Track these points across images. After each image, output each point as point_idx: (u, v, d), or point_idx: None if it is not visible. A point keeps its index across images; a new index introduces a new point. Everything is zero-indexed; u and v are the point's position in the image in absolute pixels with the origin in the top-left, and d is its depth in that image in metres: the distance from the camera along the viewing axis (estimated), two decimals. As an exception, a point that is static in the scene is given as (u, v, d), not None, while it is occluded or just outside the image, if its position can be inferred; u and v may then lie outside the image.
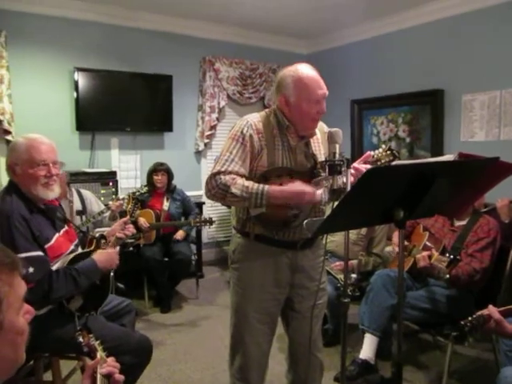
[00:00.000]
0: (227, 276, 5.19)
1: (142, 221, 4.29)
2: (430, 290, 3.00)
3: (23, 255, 1.93)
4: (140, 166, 5.34)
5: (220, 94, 5.76)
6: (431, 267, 2.86)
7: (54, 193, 2.17)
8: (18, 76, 4.59)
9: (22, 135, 2.22)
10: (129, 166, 5.31)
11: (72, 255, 2.15)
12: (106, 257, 2.22)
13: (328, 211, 2.00)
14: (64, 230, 2.25)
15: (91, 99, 4.89)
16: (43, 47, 4.73)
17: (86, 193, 3.72)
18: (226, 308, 4.20)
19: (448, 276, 2.83)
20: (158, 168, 4.59)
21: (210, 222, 4.28)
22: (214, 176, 1.96)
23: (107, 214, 3.46)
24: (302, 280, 2.14)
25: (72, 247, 2.25)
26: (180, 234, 4.52)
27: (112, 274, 2.76)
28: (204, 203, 5.54)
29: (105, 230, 2.56)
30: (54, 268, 2.06)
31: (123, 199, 3.48)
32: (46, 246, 2.06)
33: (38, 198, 2.13)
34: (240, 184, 1.93)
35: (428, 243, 3.07)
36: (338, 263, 3.52)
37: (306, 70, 2.03)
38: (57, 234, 2.17)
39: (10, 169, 2.13)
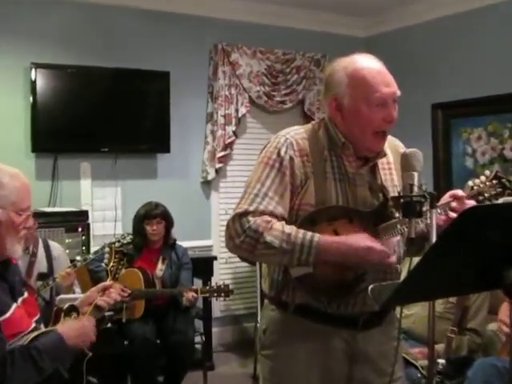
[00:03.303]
0: (251, 368, 5.17)
1: (117, 289, 4.33)
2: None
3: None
4: (122, 204, 5.46)
5: (239, 98, 5.90)
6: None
7: (21, 248, 2.30)
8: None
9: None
10: (106, 203, 5.43)
11: (33, 335, 2.20)
12: (76, 330, 2.27)
13: (405, 271, 2.03)
14: (22, 298, 2.32)
15: (54, 107, 5.07)
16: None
17: (56, 247, 3.81)
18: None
19: None
20: (152, 213, 4.64)
21: (227, 291, 4.32)
22: (239, 218, 2.00)
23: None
24: (365, 374, 2.14)
25: (33, 324, 2.30)
26: (189, 297, 4.37)
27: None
28: (215, 259, 5.60)
29: (76, 296, 2.63)
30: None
31: (79, 262, 3.55)
32: (1, 319, 2.13)
33: (2, 254, 2.24)
34: (278, 230, 1.97)
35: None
36: (417, 350, 3.52)
37: (365, 60, 2.10)
38: (14, 304, 2.24)
39: None
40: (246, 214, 2.00)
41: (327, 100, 2.13)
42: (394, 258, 2.02)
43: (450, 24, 5.77)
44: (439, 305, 3.68)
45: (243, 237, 1.99)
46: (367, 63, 2.08)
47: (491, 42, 5.43)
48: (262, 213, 2.00)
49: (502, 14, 5.35)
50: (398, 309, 2.22)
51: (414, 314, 3.72)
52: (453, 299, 3.67)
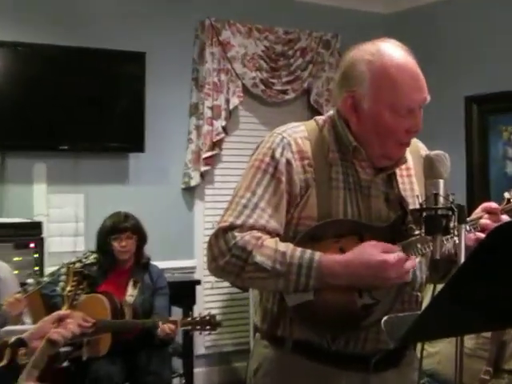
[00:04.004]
0: (240, 417, 5.18)
1: (76, 319, 4.32)
2: None
3: None
4: (85, 215, 5.47)
5: (230, 86, 5.93)
6: None
7: None
8: None
9: None
10: (64, 213, 5.44)
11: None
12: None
13: (426, 300, 2.04)
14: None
15: (0, 95, 5.06)
16: None
17: (2, 268, 3.80)
18: None
19: None
20: (120, 226, 4.65)
21: (213, 323, 4.32)
22: (223, 233, 2.00)
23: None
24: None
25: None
26: (166, 329, 4.39)
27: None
28: (199, 283, 5.60)
29: (26, 328, 2.63)
30: None
31: (30, 286, 3.54)
32: None
33: None
34: (271, 248, 1.97)
35: None
36: (444, 396, 3.52)
37: (394, 53, 2.08)
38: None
39: None
40: (231, 228, 2.00)
41: (342, 94, 2.13)
42: (408, 275, 2.02)
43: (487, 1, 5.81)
44: (470, 340, 3.67)
45: (228, 256, 1.98)
46: (398, 59, 2.07)
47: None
48: (252, 228, 2.00)
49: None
50: (418, 346, 2.23)
51: (439, 352, 3.71)
52: (486, 333, 3.67)
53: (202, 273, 5.80)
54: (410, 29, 6.17)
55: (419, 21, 6.30)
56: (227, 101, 5.90)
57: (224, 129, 5.88)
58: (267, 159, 2.09)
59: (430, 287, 1.98)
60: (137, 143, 5.59)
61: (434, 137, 2.31)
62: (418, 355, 2.23)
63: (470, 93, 5.87)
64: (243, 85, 5.99)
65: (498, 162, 5.79)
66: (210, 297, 5.99)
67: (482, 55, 5.84)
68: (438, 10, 6.22)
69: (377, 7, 6.64)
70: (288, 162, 2.07)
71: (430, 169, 1.96)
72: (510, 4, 5.65)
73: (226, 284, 5.41)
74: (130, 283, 4.66)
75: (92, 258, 3.98)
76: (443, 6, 6.16)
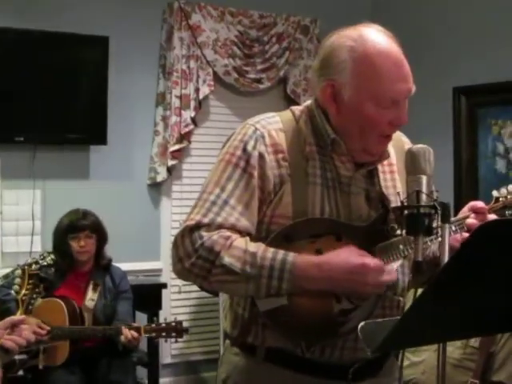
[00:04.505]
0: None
1: (31, 325, 4.30)
2: None
3: None
4: (42, 212, 5.45)
5: (200, 74, 5.92)
6: None
7: None
8: None
9: None
10: (20, 210, 5.42)
11: None
12: None
13: (409, 305, 2.04)
14: None
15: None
16: None
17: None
18: None
19: None
20: (79, 225, 4.64)
21: (180, 330, 4.33)
22: (190, 233, 1.99)
23: None
24: None
25: None
26: (129, 336, 4.38)
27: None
28: (165, 286, 5.60)
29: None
30: None
31: None
32: None
33: None
34: (240, 249, 1.97)
35: None
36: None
37: (378, 39, 2.09)
38: None
39: None
40: (198, 227, 1.99)
41: (320, 83, 2.12)
42: (394, 276, 2.02)
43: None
44: (456, 350, 3.69)
45: (194, 258, 1.97)
46: (381, 46, 2.07)
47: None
48: (221, 226, 2.00)
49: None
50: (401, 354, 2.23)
51: (423, 362, 3.73)
52: (474, 343, 3.69)
53: (169, 275, 5.77)
54: (395, 14, 6.19)
55: (406, 5, 6.33)
56: (197, 90, 5.89)
57: (193, 120, 5.88)
58: (238, 152, 2.08)
59: (413, 293, 1.99)
60: (99, 135, 5.57)
61: (420, 130, 2.32)
62: (399, 364, 2.23)
63: (459, 84, 5.89)
64: (214, 73, 5.99)
65: (487, 158, 5.82)
66: (178, 301, 5.99)
67: (472, 44, 5.87)
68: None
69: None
70: (261, 156, 2.07)
71: (412, 164, 1.98)
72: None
73: (195, 288, 5.41)
74: (90, 287, 4.64)
75: (49, 260, 3.96)
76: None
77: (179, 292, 5.96)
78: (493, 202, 2.16)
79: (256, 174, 2.06)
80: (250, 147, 2.08)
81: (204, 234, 1.98)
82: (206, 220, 2.00)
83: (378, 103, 2.04)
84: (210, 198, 2.04)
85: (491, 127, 5.77)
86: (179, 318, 4.59)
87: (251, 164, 2.06)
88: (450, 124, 5.97)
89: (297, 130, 2.15)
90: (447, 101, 5.95)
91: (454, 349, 3.68)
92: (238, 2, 6.08)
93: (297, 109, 2.22)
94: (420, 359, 3.74)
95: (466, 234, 2.05)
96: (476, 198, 2.19)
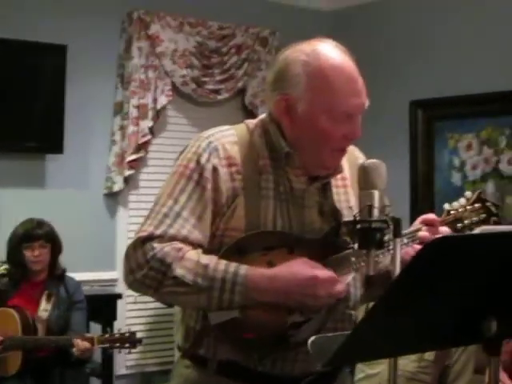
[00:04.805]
0: None
1: None
2: None
3: None
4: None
5: (158, 84, 5.91)
6: None
7: None
8: None
9: None
10: (-27, 219, 5.34)
11: None
12: None
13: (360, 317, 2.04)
14: None
15: None
16: None
17: None
18: None
19: None
20: (33, 234, 4.61)
21: (133, 341, 4.32)
22: (142, 244, 1.99)
23: None
24: None
25: None
26: (81, 347, 4.38)
27: None
28: (120, 297, 5.56)
29: None
30: None
31: None
32: None
33: None
34: (192, 261, 1.97)
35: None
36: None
37: (331, 54, 2.09)
38: None
39: None
40: (150, 239, 1.99)
41: (274, 97, 2.14)
42: (343, 289, 2.02)
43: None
44: (411, 363, 3.70)
45: (146, 269, 1.97)
46: (335, 60, 2.08)
47: (491, 20, 5.56)
48: (173, 238, 1.99)
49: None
50: (358, 367, 2.23)
51: (378, 374, 3.71)
52: (429, 356, 3.71)
53: (124, 286, 5.67)
54: (353, 28, 6.24)
55: (363, 20, 6.37)
56: (155, 100, 5.88)
57: (151, 130, 5.86)
58: (192, 165, 2.08)
59: (365, 306, 2.00)
60: (55, 143, 5.52)
61: (377, 143, 2.33)
62: (354, 378, 2.24)
63: (415, 97, 5.94)
64: (172, 83, 5.98)
65: (443, 172, 5.87)
66: (133, 312, 5.94)
67: (429, 58, 5.92)
68: (381, 8, 6.30)
69: (317, 3, 6.67)
70: (214, 169, 2.07)
71: (364, 179, 1.99)
72: (459, 8, 5.74)
73: (151, 299, 5.24)
74: (44, 297, 4.59)
75: (2, 269, 3.93)
76: (388, 5, 6.25)
77: (134, 302, 5.91)
78: (444, 214, 2.17)
79: (209, 186, 2.06)
80: (203, 160, 2.08)
81: (156, 245, 1.98)
82: (158, 232, 2.00)
83: (332, 117, 2.05)
84: (163, 209, 2.03)
85: (447, 140, 5.83)
86: (134, 328, 4.58)
87: (205, 177, 2.06)
88: (406, 137, 6.01)
89: (251, 143, 2.15)
90: (404, 114, 6.00)
91: (409, 362, 3.69)
92: (198, 13, 6.07)
93: (251, 122, 2.23)
94: (375, 371, 3.73)
95: (418, 247, 2.06)
96: (432, 211, 2.21)
